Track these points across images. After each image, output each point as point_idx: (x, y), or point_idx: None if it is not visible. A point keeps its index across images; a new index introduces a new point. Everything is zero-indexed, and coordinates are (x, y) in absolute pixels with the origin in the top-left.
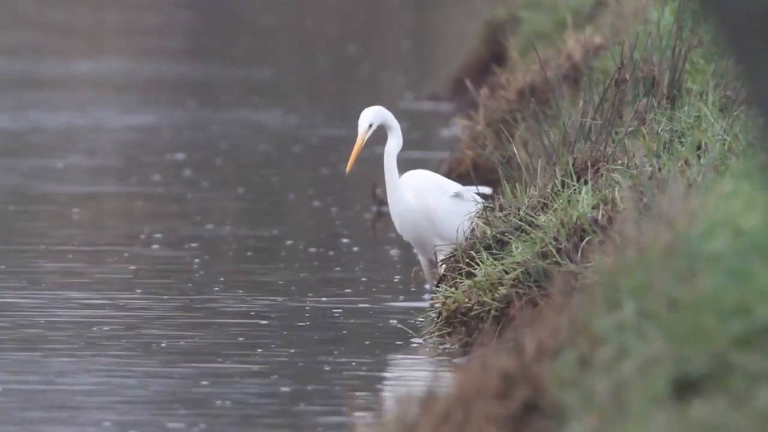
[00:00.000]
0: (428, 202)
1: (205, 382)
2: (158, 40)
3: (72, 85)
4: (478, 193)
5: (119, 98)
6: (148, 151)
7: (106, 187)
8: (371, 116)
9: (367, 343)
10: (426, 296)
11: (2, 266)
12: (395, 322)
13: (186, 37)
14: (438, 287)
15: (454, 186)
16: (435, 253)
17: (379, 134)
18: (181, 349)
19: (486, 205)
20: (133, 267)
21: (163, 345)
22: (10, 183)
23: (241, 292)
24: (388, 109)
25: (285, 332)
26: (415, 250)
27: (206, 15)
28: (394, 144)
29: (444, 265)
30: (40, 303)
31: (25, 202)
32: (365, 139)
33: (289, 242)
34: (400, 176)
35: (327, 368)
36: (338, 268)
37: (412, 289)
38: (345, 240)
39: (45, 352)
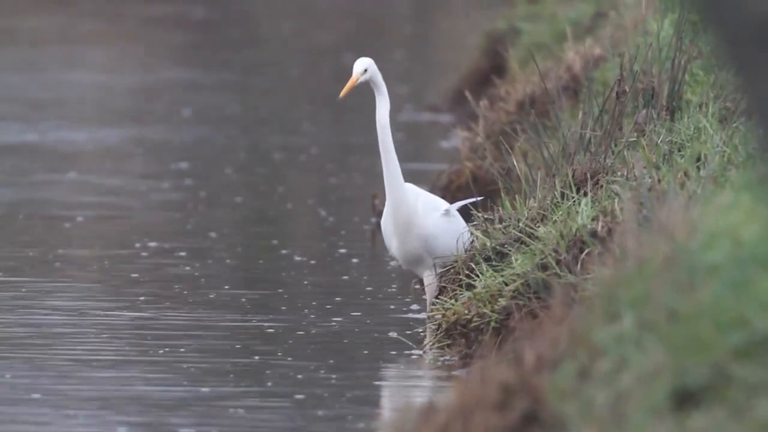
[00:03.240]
0: (426, 215)
1: (206, 389)
2: (159, 50)
3: (75, 95)
4: (470, 205)
5: (121, 107)
6: (150, 160)
7: (109, 195)
8: (367, 63)
9: (366, 353)
10: (414, 307)
11: (3, 272)
12: (394, 333)
13: (184, 47)
14: (437, 299)
15: (444, 203)
16: (434, 266)
17: (373, 144)
18: (181, 357)
19: (486, 216)
20: (135, 275)
21: (161, 352)
22: (18, 192)
23: (243, 301)
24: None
25: (284, 342)
26: (402, 267)
27: (206, 26)
28: (384, 109)
29: (442, 278)
30: (41, 308)
31: (30, 210)
32: (358, 81)
33: (288, 252)
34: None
35: (325, 379)
36: (337, 279)
37: (407, 299)
38: (344, 251)
39: (47, 357)
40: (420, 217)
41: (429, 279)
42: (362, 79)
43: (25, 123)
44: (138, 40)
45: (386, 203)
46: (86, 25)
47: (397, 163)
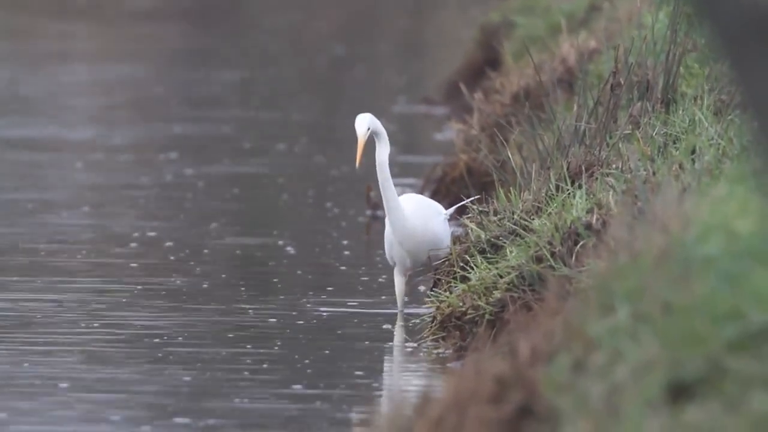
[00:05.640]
0: (432, 227)
1: (202, 380)
2: (153, 45)
3: (68, 91)
4: (467, 205)
5: (115, 102)
6: (147, 153)
7: (103, 186)
8: (369, 121)
9: (360, 347)
10: (406, 299)
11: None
12: (389, 326)
13: (177, 40)
14: (432, 291)
15: (442, 208)
16: (429, 258)
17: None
18: (177, 348)
19: (480, 209)
20: (134, 265)
21: (156, 341)
22: (17, 186)
23: (238, 291)
24: (382, 112)
25: (279, 335)
26: (396, 269)
27: (199, 18)
28: (385, 152)
29: (437, 270)
30: (36, 301)
31: (30, 205)
32: (365, 140)
33: (283, 243)
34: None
35: (320, 370)
36: (332, 272)
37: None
38: (339, 243)
39: (39, 347)
40: (423, 223)
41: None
42: (366, 136)
43: (19, 119)
44: (129, 34)
45: (387, 223)
46: (81, 22)
47: (397, 199)
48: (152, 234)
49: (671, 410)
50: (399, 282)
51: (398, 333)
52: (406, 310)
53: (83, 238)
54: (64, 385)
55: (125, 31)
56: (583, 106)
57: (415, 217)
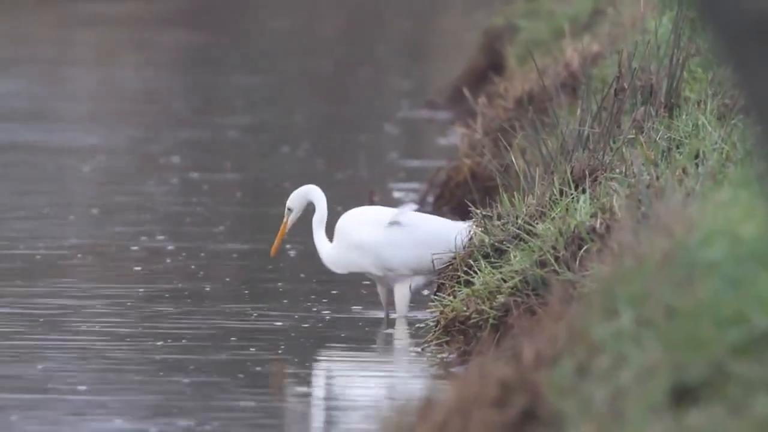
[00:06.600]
0: (364, 239)
1: (205, 382)
2: (158, 49)
3: (75, 98)
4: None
5: (122, 104)
6: (150, 154)
7: (107, 191)
8: (289, 201)
9: (364, 350)
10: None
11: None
12: (393, 330)
13: (185, 43)
14: (436, 295)
15: (391, 214)
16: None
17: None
18: (180, 350)
19: (484, 213)
20: (137, 268)
21: (159, 344)
22: (22, 187)
23: (239, 296)
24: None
25: (281, 339)
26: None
27: (206, 23)
28: (316, 217)
29: (440, 274)
30: (39, 304)
31: (30, 207)
32: (289, 225)
33: (287, 246)
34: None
35: (324, 376)
36: (335, 276)
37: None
38: None
39: (46, 355)
40: (363, 237)
41: (400, 289)
42: (293, 218)
43: (25, 124)
44: (133, 39)
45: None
46: (85, 27)
47: (320, 242)
48: (156, 238)
49: (675, 414)
50: (381, 293)
51: (402, 337)
52: (410, 314)
53: (88, 242)
54: (67, 387)
55: (129, 35)
56: (587, 111)
57: (354, 235)
